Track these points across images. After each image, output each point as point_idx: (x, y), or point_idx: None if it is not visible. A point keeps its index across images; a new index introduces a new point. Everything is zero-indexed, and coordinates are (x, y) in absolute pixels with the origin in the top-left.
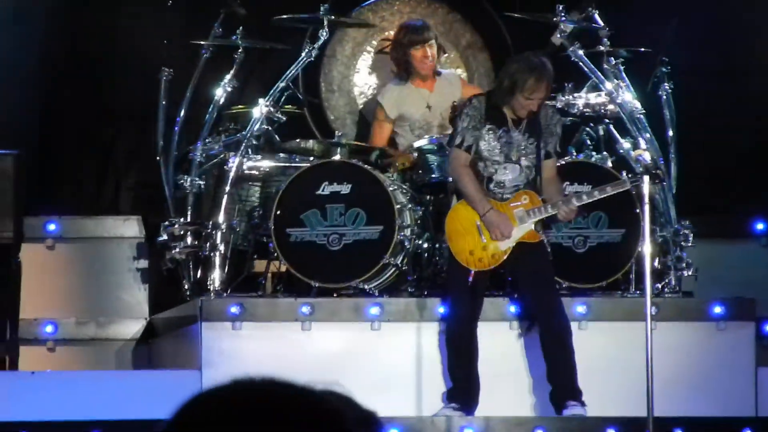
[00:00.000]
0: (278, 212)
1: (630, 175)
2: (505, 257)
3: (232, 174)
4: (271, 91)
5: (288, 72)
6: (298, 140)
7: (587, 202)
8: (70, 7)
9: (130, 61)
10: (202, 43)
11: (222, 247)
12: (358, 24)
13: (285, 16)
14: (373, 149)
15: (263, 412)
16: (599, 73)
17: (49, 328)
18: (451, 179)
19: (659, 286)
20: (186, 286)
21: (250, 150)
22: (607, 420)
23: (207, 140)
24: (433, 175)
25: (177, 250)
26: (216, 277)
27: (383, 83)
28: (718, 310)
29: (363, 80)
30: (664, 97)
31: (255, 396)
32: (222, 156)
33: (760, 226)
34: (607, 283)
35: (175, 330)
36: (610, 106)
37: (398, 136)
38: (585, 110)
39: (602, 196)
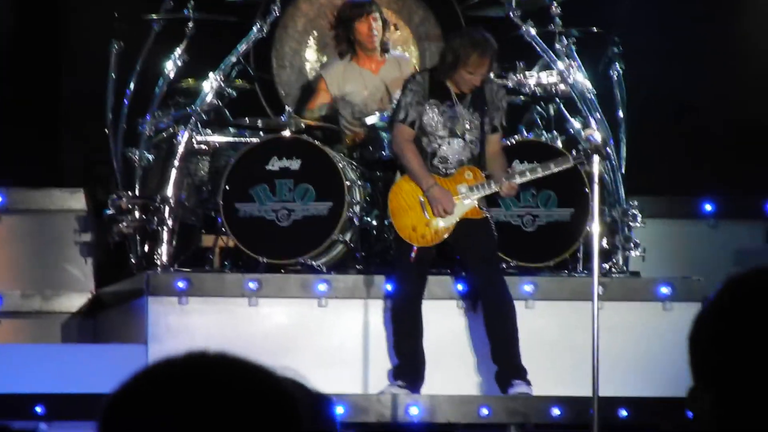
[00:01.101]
0: (227, 187)
1: (574, 153)
2: (447, 234)
3: (181, 148)
4: (222, 65)
5: (239, 47)
6: (247, 119)
7: (530, 178)
8: None
9: (80, 34)
10: (152, 16)
11: (170, 222)
12: None
13: None
14: (323, 126)
15: (211, 387)
16: (551, 53)
17: None
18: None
19: (607, 265)
20: (133, 260)
21: (199, 124)
22: (552, 399)
23: (156, 114)
24: (384, 152)
25: (124, 223)
26: (163, 251)
27: (331, 60)
28: (665, 290)
29: (314, 56)
30: (615, 77)
31: (205, 370)
32: (171, 130)
33: (708, 207)
34: (555, 262)
35: (121, 304)
36: (562, 86)
37: (341, 118)
38: (536, 89)
39: (545, 173)
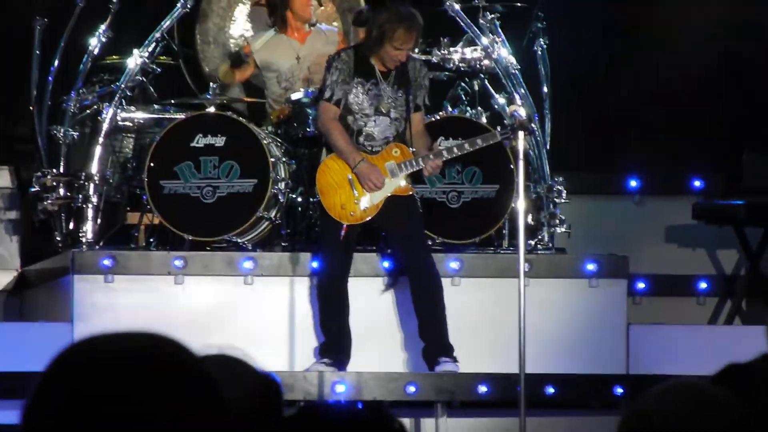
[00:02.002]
0: (152, 164)
1: (500, 129)
2: (376, 211)
3: (105, 125)
4: (146, 41)
5: (163, 23)
6: (172, 101)
7: (457, 154)
8: None
9: (3, 10)
10: None
11: (95, 199)
12: None
13: None
14: (248, 103)
15: (133, 369)
16: (475, 28)
17: None
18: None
19: (532, 242)
20: (58, 238)
21: (124, 101)
22: (479, 376)
23: (81, 90)
24: (308, 129)
25: (49, 201)
26: (88, 228)
27: (258, 33)
28: (590, 266)
29: (239, 32)
30: (539, 52)
31: (127, 350)
32: (96, 107)
33: (633, 183)
34: (481, 239)
35: (47, 282)
36: (486, 62)
37: (266, 88)
38: (461, 65)
39: (472, 149)
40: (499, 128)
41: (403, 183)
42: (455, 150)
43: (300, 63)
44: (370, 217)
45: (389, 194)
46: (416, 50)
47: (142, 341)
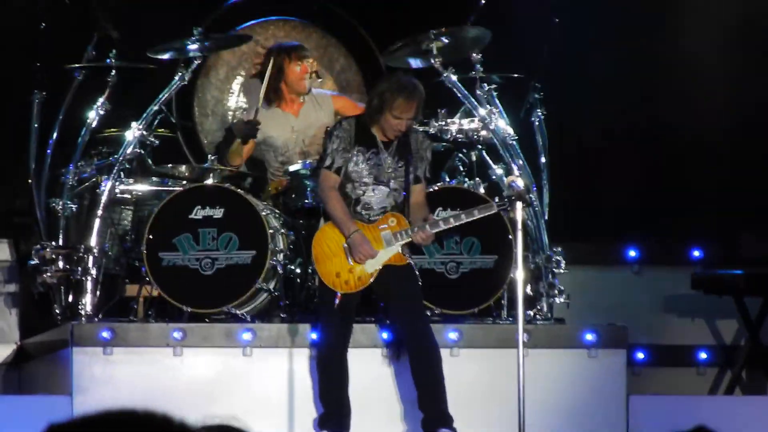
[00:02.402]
0: (150, 236)
1: (498, 200)
2: (371, 280)
3: (104, 198)
4: (144, 114)
5: (161, 95)
6: (170, 165)
7: (454, 225)
8: None
9: (1, 83)
10: (75, 65)
11: (94, 271)
12: (232, 42)
13: (159, 47)
14: (246, 174)
15: None
16: (472, 99)
17: None
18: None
19: (531, 312)
20: (57, 311)
21: (122, 173)
22: None
23: (79, 163)
24: (306, 200)
25: (48, 274)
26: (87, 301)
27: (253, 106)
28: (590, 337)
29: (237, 104)
30: (537, 123)
31: (123, 427)
32: (94, 179)
33: (632, 253)
34: (480, 310)
35: (46, 355)
36: (483, 132)
37: (265, 161)
38: (458, 136)
39: (469, 220)
40: (497, 199)
41: (398, 252)
42: (452, 221)
43: (295, 137)
44: (364, 287)
45: (384, 263)
46: (416, 121)
47: (133, 415)
